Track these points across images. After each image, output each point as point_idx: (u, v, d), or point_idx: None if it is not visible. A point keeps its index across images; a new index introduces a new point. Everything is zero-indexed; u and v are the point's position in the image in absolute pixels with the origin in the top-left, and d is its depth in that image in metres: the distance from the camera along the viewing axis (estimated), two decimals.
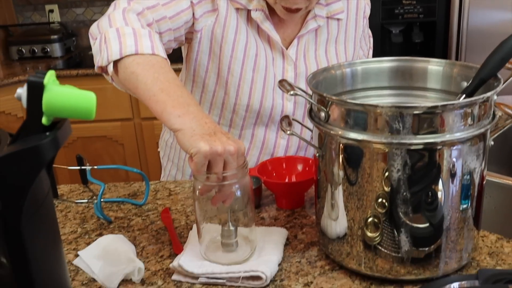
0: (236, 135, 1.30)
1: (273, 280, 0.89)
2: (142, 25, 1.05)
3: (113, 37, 1.00)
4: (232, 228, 0.93)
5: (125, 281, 0.91)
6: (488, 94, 0.78)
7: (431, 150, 0.77)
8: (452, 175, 0.80)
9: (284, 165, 1.20)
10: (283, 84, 0.88)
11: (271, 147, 1.31)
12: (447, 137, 0.77)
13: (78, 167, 1.21)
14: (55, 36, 3.05)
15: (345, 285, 0.87)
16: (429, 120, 0.76)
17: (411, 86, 1.00)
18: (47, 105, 0.55)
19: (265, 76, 1.23)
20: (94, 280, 0.92)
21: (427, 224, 0.82)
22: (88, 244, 1.01)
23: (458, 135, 0.77)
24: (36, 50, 3.04)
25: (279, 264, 0.92)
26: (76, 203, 1.22)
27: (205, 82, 1.25)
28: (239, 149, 0.85)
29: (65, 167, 1.26)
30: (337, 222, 0.88)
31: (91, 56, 1.07)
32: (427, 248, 0.83)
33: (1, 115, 2.61)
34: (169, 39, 1.13)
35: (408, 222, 0.81)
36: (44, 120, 0.56)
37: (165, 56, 1.01)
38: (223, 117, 1.28)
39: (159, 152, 1.50)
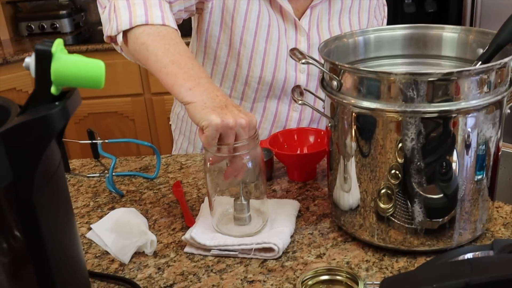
0: (247, 108, 1.28)
1: (285, 252, 0.89)
2: None
3: (123, 6, 0.98)
4: (244, 202, 0.92)
5: (138, 253, 0.91)
6: (506, 59, 0.76)
7: (445, 118, 0.76)
8: (467, 144, 0.78)
9: (295, 137, 1.19)
10: (295, 53, 0.87)
11: (283, 120, 1.30)
12: (462, 104, 0.75)
13: (90, 141, 1.21)
14: (64, 12, 3.04)
15: (358, 257, 0.87)
16: (444, 87, 0.74)
17: (425, 54, 0.98)
18: (55, 74, 0.54)
19: (278, 48, 1.21)
20: (107, 253, 0.92)
21: (441, 195, 0.81)
22: (101, 217, 1.01)
23: (473, 102, 0.75)
24: (45, 26, 3.03)
25: (291, 236, 0.92)
26: (88, 177, 1.22)
27: (216, 53, 1.23)
28: (250, 122, 0.84)
29: (77, 141, 1.26)
30: (349, 194, 0.87)
31: (101, 31, 1.05)
32: (441, 219, 0.83)
33: (12, 92, 2.61)
34: (179, 9, 1.11)
35: (422, 193, 0.80)
36: (53, 90, 0.55)
37: (176, 27, 1.00)
38: (235, 89, 1.26)
39: (170, 125, 1.50)
